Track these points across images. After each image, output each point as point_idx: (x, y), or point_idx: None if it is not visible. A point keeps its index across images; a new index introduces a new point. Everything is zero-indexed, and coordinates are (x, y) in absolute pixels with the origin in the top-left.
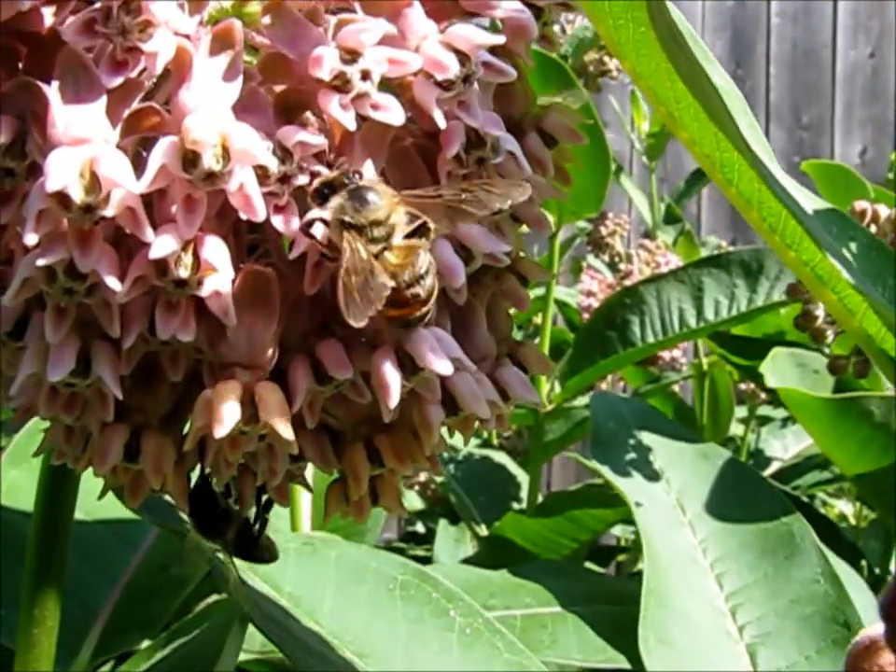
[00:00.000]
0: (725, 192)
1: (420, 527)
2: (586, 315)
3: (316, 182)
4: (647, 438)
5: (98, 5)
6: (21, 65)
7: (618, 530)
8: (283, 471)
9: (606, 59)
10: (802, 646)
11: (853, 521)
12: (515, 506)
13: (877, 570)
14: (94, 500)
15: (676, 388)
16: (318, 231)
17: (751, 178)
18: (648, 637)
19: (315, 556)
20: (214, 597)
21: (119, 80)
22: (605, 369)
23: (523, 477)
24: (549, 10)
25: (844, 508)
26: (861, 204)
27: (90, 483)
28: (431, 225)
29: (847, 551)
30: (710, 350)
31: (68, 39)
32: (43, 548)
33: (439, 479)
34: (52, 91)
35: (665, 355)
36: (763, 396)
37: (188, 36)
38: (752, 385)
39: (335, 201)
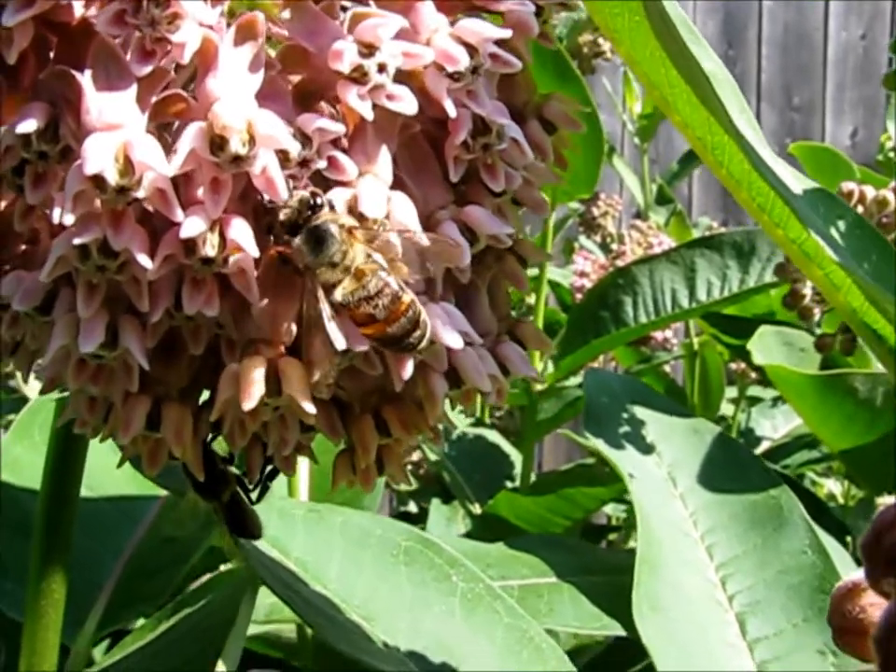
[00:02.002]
0: (716, 173)
1: (412, 507)
2: (579, 296)
3: (283, 215)
4: (639, 412)
5: None
6: (51, 54)
7: (609, 509)
8: (294, 441)
9: (600, 41)
10: (789, 614)
11: (841, 500)
12: (509, 484)
13: None
14: (98, 476)
15: (667, 368)
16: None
17: (741, 160)
18: (641, 605)
19: (322, 523)
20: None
21: (148, 69)
22: (598, 349)
23: (516, 456)
24: (549, 9)
25: (832, 487)
26: (848, 185)
27: (94, 459)
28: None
29: (835, 527)
30: (701, 330)
31: (100, 30)
32: (51, 521)
33: (432, 458)
34: (86, 79)
35: (658, 335)
36: (754, 376)
37: (210, 27)
38: (743, 366)
39: (298, 239)
